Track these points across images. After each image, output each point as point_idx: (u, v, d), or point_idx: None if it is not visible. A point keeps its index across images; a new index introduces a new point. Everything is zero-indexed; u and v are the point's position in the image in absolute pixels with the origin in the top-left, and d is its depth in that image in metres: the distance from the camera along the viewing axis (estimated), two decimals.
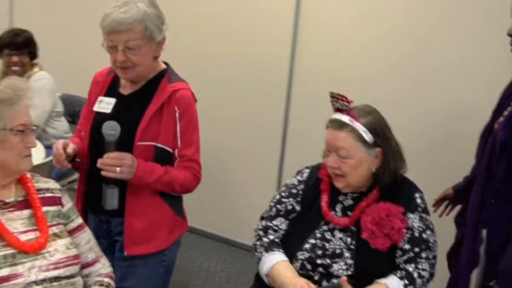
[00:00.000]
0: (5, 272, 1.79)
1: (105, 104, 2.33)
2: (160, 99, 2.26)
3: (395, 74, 3.60)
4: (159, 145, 2.26)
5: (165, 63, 2.40)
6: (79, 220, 2.12)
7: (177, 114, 2.26)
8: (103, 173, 2.13)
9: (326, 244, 2.13)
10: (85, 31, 3.77)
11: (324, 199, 2.22)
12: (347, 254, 2.11)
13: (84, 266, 2.05)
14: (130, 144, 2.23)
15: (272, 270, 2.14)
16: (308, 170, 2.34)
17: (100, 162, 2.13)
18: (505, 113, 2.17)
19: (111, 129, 2.15)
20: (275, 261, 2.15)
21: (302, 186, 2.29)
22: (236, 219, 4.36)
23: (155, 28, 2.19)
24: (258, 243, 2.25)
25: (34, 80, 3.70)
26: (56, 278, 1.89)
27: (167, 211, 2.36)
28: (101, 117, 2.30)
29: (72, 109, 4.17)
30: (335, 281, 2.06)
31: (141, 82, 2.32)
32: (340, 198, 2.21)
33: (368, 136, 2.11)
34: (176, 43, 4.27)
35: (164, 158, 2.28)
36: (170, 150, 2.28)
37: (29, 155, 1.95)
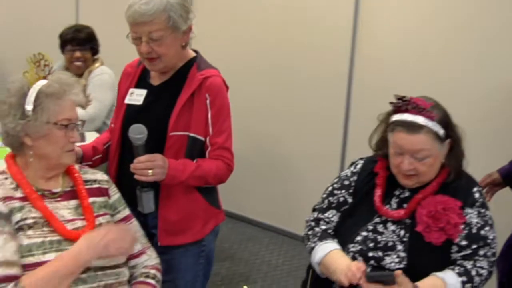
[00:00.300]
0: (51, 256, 1.82)
1: (136, 96, 2.31)
2: (191, 87, 2.23)
3: (456, 66, 3.48)
4: (191, 134, 2.23)
5: (195, 51, 2.37)
6: (126, 211, 2.13)
7: (208, 102, 2.23)
8: (136, 177, 2.10)
9: (378, 237, 2.06)
10: None
11: (378, 193, 2.14)
12: (399, 247, 2.03)
13: (130, 257, 2.06)
14: (163, 135, 2.21)
15: (326, 258, 2.08)
16: (361, 162, 2.26)
17: (131, 168, 2.11)
18: None
19: (138, 133, 2.10)
20: (328, 250, 2.09)
21: (355, 178, 2.22)
22: (297, 212, 4.31)
23: (179, 17, 2.15)
24: (310, 232, 2.20)
25: (95, 75, 3.77)
26: (101, 268, 1.90)
27: (202, 203, 2.33)
28: (132, 109, 2.30)
29: None
30: (387, 272, 1.99)
31: (170, 72, 2.30)
32: (397, 192, 2.14)
33: (441, 132, 2.03)
34: (240, 34, 4.38)
35: (197, 147, 2.25)
36: (203, 138, 2.25)
37: (72, 150, 1.97)
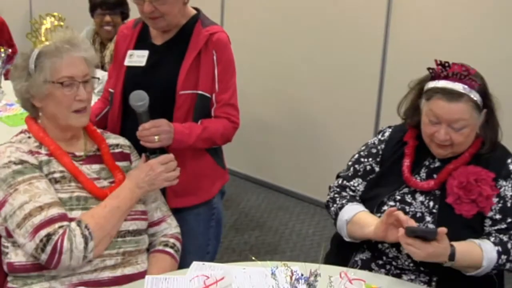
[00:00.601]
0: (77, 214, 1.81)
1: (137, 58, 2.25)
2: (197, 44, 2.18)
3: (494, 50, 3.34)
4: (200, 92, 2.18)
5: (195, 9, 2.30)
6: None
7: (215, 58, 2.18)
8: (141, 143, 2.03)
9: (406, 207, 1.98)
10: None
11: (406, 163, 2.05)
12: (428, 219, 1.94)
13: (150, 224, 2.03)
14: (172, 94, 2.17)
15: (356, 216, 2.00)
16: (389, 130, 2.16)
17: (137, 135, 2.04)
18: None
19: (139, 100, 2.00)
20: (358, 210, 2.02)
21: (382, 146, 2.13)
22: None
23: None
24: (336, 196, 2.12)
25: None
26: (122, 232, 1.87)
27: (209, 162, 2.29)
28: (134, 72, 2.24)
29: None
30: (429, 228, 1.91)
31: (173, 30, 2.23)
32: (427, 162, 2.04)
33: (480, 101, 1.92)
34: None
35: (204, 104, 2.20)
36: (209, 95, 2.20)
37: (82, 110, 1.90)
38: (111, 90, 2.34)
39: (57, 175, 1.84)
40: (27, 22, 6.10)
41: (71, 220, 1.77)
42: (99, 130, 2.06)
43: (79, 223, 1.76)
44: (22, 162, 1.79)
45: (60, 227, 1.73)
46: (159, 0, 2.08)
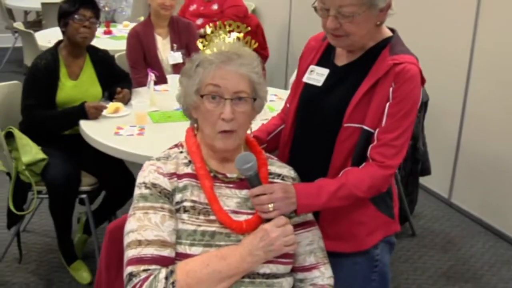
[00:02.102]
0: (197, 250, 1.67)
1: (316, 75, 1.99)
2: (377, 73, 1.86)
3: None
4: (365, 127, 1.87)
5: (391, 30, 1.97)
6: (308, 217, 1.88)
7: (391, 89, 1.84)
8: (258, 213, 1.77)
9: None
10: None
11: None
12: None
13: (300, 269, 1.83)
14: (337, 126, 1.90)
15: None
16: None
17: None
18: None
19: (244, 163, 1.73)
20: None
21: None
22: None
23: None
24: None
25: None
26: (253, 275, 1.69)
27: (369, 208, 1.97)
28: (310, 90, 2.00)
29: None
30: None
31: (358, 52, 1.93)
32: None
33: None
34: None
35: (367, 141, 1.88)
36: (373, 131, 1.87)
37: (229, 132, 1.74)
38: (288, 105, 2.17)
39: (187, 204, 1.71)
40: (285, 28, 6.28)
41: (171, 262, 1.64)
42: (266, 154, 1.90)
43: (169, 275, 1.60)
44: (153, 186, 1.71)
45: (145, 270, 1.60)
46: (346, 17, 1.81)
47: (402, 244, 3.81)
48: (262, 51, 5.64)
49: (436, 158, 4.12)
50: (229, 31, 1.82)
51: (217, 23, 1.84)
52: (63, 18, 3.24)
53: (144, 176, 1.74)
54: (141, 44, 3.99)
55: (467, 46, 3.99)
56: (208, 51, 1.76)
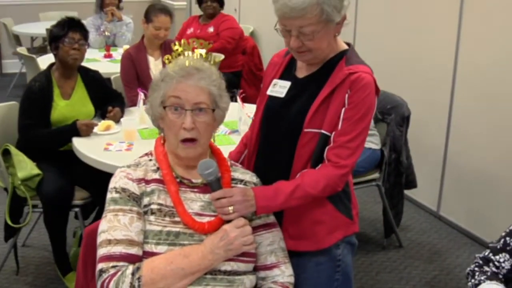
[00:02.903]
0: (162, 249, 1.81)
1: (279, 88, 2.15)
2: (333, 82, 2.02)
3: None
4: (323, 131, 2.02)
5: (347, 44, 2.13)
6: (269, 219, 2.01)
7: (347, 95, 1.99)
8: (219, 216, 1.91)
9: None
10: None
11: None
12: None
13: (262, 268, 1.96)
14: (298, 132, 2.04)
15: None
16: None
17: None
18: None
19: (205, 169, 1.87)
20: None
21: None
22: None
23: (333, 10, 1.93)
24: (476, 269, 1.89)
25: None
26: (214, 272, 1.83)
27: (328, 208, 2.10)
28: (274, 102, 2.15)
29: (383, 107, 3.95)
30: None
31: (318, 64, 2.09)
32: None
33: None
34: None
35: (325, 145, 2.03)
36: (330, 134, 2.02)
37: (190, 141, 1.90)
38: (252, 118, 2.33)
39: (154, 206, 1.86)
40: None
41: (138, 260, 1.78)
42: (229, 162, 2.05)
43: (135, 271, 1.74)
44: (122, 190, 1.87)
45: (114, 267, 1.75)
46: (307, 35, 1.98)
47: (389, 256, 3.91)
48: (258, 72, 5.81)
49: (424, 172, 4.23)
50: (193, 48, 1.97)
51: (182, 41, 2.01)
52: (54, 42, 3.44)
53: (115, 181, 1.90)
54: (133, 65, 4.18)
55: (450, 60, 4.12)
56: (171, 66, 1.92)
